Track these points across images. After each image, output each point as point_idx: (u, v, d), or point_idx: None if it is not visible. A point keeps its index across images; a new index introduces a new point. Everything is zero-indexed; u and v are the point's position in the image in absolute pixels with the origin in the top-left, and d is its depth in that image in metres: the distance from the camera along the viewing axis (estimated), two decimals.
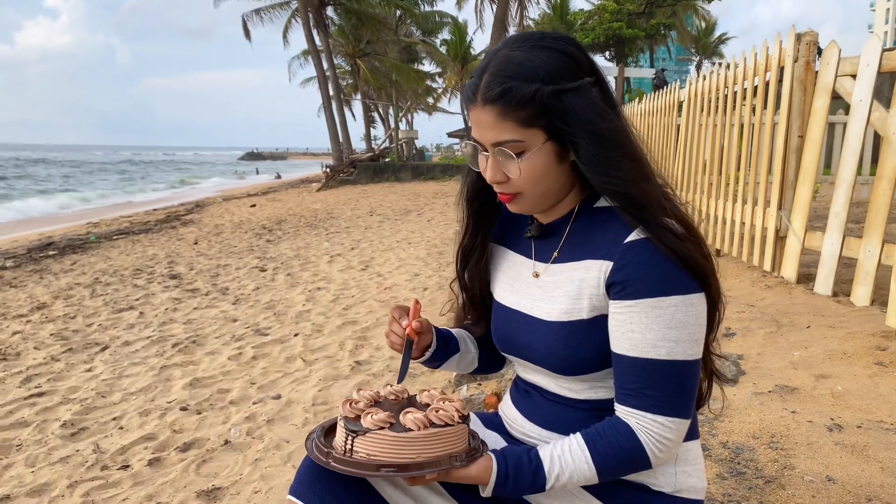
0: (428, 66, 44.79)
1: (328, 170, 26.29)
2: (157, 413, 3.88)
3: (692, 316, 1.16)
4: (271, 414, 3.73)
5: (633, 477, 1.28)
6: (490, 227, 1.47)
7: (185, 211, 18.70)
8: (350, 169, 25.50)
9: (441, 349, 1.47)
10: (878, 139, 4.22)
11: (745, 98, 5.45)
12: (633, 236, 1.17)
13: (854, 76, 4.11)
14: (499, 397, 3.26)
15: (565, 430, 1.31)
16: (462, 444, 1.20)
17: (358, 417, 1.19)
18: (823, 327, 3.46)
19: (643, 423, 1.17)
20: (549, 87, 1.14)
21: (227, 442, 3.43)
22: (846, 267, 4.20)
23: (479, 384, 3.68)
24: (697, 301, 1.17)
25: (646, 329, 1.15)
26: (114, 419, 3.83)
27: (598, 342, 1.23)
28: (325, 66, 29.95)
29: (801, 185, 4.52)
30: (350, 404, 1.22)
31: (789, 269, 4.56)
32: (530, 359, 1.34)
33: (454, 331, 1.54)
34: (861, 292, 3.87)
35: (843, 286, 4.19)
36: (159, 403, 4.03)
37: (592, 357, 1.25)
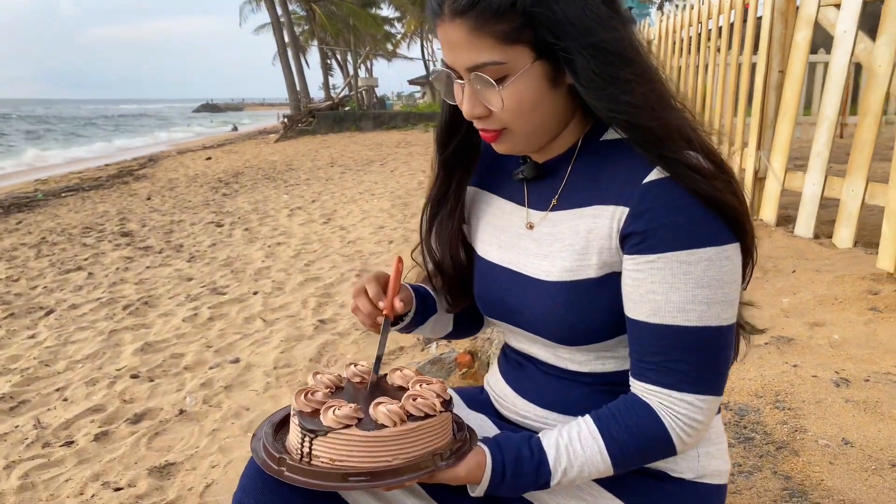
0: (386, 11, 43.57)
1: (286, 120, 25.52)
2: (106, 382, 3.60)
3: (727, 272, 0.93)
4: (229, 379, 3.49)
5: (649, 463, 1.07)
6: (466, 173, 1.21)
7: (138, 165, 17.97)
8: (309, 119, 24.80)
9: (419, 313, 1.22)
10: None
11: (720, 34, 5.21)
12: (654, 175, 0.93)
13: (838, 6, 3.89)
14: (472, 356, 3.05)
15: (567, 410, 1.10)
16: (446, 437, 0.97)
17: (316, 412, 0.94)
18: (809, 271, 3.31)
19: (667, 403, 0.95)
20: None
21: (181, 411, 3.18)
22: (824, 208, 4.04)
23: (449, 342, 3.48)
24: (733, 253, 0.94)
25: (671, 289, 0.92)
26: (57, 390, 3.55)
27: (608, 306, 1.00)
28: (280, 11, 28.89)
29: (781, 124, 4.33)
30: (305, 395, 0.97)
31: (769, 212, 4.40)
32: (524, 326, 1.10)
33: (430, 288, 1.28)
34: (844, 233, 3.72)
35: (823, 227, 4.05)
36: (108, 371, 3.75)
37: (601, 324, 1.01)
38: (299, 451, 0.92)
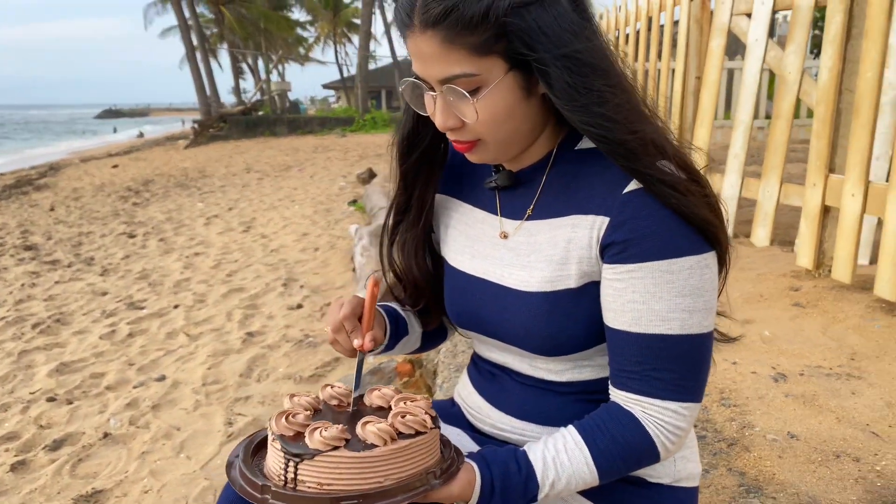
0: (298, 14, 42.94)
1: (196, 125, 24.72)
2: (19, 407, 3.37)
3: (707, 280, 0.93)
4: (156, 398, 3.32)
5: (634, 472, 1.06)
6: (430, 182, 1.18)
7: (38, 175, 17.00)
8: (220, 124, 24.12)
9: (392, 336, 1.18)
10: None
11: (637, 41, 5.37)
12: (634, 185, 0.93)
13: (749, 15, 4.07)
14: (413, 365, 3.01)
15: (544, 420, 1.08)
16: (435, 456, 0.93)
17: (300, 435, 0.89)
18: (733, 270, 3.38)
19: (651, 412, 0.95)
20: (504, 0, 0.86)
21: (106, 434, 3.00)
22: (741, 208, 4.21)
23: (371, 355, 3.42)
24: (711, 261, 0.95)
25: (653, 299, 0.92)
26: None
27: (587, 315, 0.99)
28: (187, 13, 28.02)
29: (699, 128, 4.49)
30: (286, 418, 0.91)
31: None
32: (500, 336, 1.08)
33: (395, 305, 1.25)
34: (761, 233, 3.88)
35: (741, 227, 4.22)
36: (20, 395, 3.51)
37: (581, 333, 1.00)
38: (283, 477, 0.86)
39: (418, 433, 0.89)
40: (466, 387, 1.24)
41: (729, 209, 4.06)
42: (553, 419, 1.06)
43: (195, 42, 28.46)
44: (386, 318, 1.17)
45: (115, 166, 17.43)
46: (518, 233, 1.06)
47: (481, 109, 0.92)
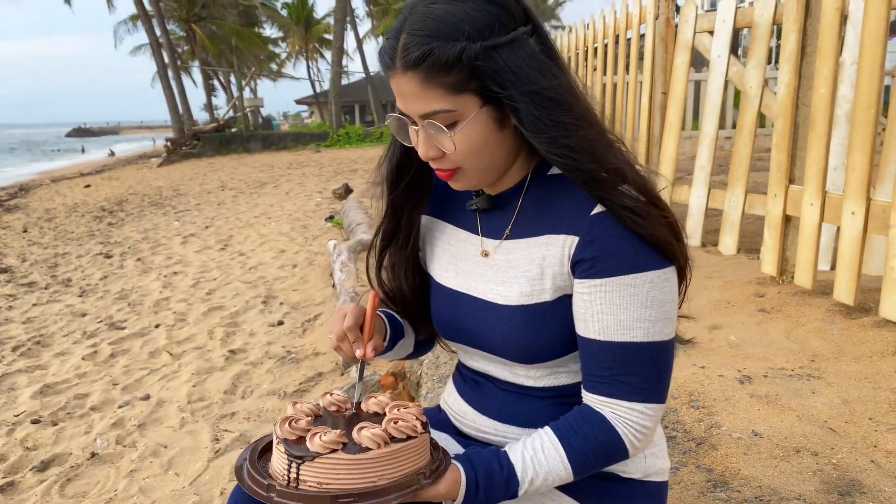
0: (269, 31, 42.93)
1: (169, 143, 24.61)
2: (4, 429, 3.39)
3: (667, 292, 1.03)
4: (142, 417, 3.36)
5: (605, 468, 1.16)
6: (417, 207, 1.28)
7: (8, 196, 16.82)
8: (193, 141, 24.03)
9: (391, 341, 1.28)
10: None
11: (606, 56, 5.53)
12: (600, 207, 1.03)
13: (712, 32, 4.24)
14: (395, 377, 3.10)
15: (525, 422, 1.18)
16: (425, 458, 1.02)
17: (301, 439, 0.98)
18: (701, 278, 3.57)
19: (620, 413, 1.05)
20: (476, 43, 0.96)
21: (93, 454, 3.04)
22: (708, 218, 4.35)
23: (370, 363, 3.50)
24: (671, 275, 1.04)
25: (619, 310, 1.02)
26: None
27: (562, 326, 1.09)
28: (158, 31, 27.91)
29: (666, 141, 4.64)
30: (290, 423, 1.00)
31: None
32: (483, 347, 1.18)
33: (396, 314, 1.35)
34: (728, 241, 4.03)
35: (708, 236, 4.36)
36: (5, 418, 3.53)
37: (556, 342, 1.10)
38: (286, 477, 0.95)
39: (410, 437, 0.98)
40: (452, 394, 1.33)
41: (695, 220, 4.20)
42: (532, 422, 1.14)
43: (167, 59, 28.37)
44: (386, 322, 1.26)
45: (87, 186, 17.31)
46: (497, 251, 1.16)
47: (458, 141, 1.02)
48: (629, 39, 5.09)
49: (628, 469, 1.19)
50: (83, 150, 48.71)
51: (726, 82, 4.18)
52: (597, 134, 1.04)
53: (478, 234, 1.20)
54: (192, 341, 4.49)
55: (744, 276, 3.48)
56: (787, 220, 3.32)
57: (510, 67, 0.97)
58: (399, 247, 1.29)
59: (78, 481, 2.86)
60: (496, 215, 1.17)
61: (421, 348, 1.42)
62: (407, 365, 3.02)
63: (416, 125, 1.05)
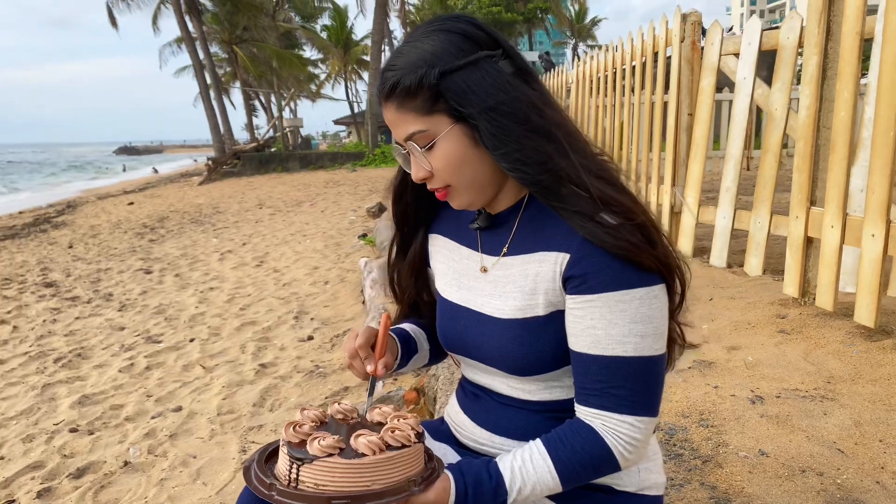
0: (309, 52, 43.76)
1: (210, 162, 25.20)
2: (44, 437, 3.53)
3: (656, 308, 1.08)
4: (173, 428, 3.48)
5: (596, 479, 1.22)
6: (418, 226, 1.40)
7: (56, 212, 17.40)
8: (234, 160, 24.56)
9: (404, 357, 1.37)
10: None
11: (634, 79, 5.57)
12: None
13: (737, 55, 4.27)
14: (419, 393, 3.17)
15: (520, 435, 1.23)
16: (419, 466, 1.09)
17: (303, 443, 1.06)
18: (725, 299, 3.58)
19: (609, 425, 1.09)
20: (435, 69, 1.06)
21: (126, 463, 3.16)
22: (735, 239, 4.36)
23: (395, 380, 3.58)
24: (660, 292, 1.09)
25: (609, 325, 1.07)
26: None
27: (555, 340, 1.15)
28: (201, 54, 28.68)
29: (692, 162, 4.66)
30: (294, 428, 1.08)
31: (685, 244, 4.71)
32: (481, 359, 1.25)
33: (407, 327, 1.44)
34: (754, 262, 4.03)
35: (735, 257, 4.36)
36: (45, 426, 3.68)
37: (548, 356, 1.16)
38: (287, 477, 1.03)
39: (404, 446, 1.05)
40: (453, 406, 1.40)
41: (720, 241, 4.20)
42: (527, 435, 1.19)
43: (209, 81, 29.09)
44: (398, 342, 1.35)
45: (130, 203, 17.80)
46: (495, 267, 1.23)
47: (437, 158, 1.11)
48: (656, 62, 5.13)
49: (622, 482, 1.23)
50: (124, 169, 49.99)
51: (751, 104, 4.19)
52: (553, 144, 1.09)
53: (478, 251, 1.27)
54: (224, 355, 4.62)
55: (766, 298, 3.48)
56: (809, 242, 3.33)
57: (469, 86, 1.06)
58: (407, 261, 1.40)
59: (111, 488, 2.97)
60: (496, 233, 1.25)
61: (437, 356, 1.50)
62: (426, 380, 3.09)
63: (405, 149, 1.15)
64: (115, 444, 3.40)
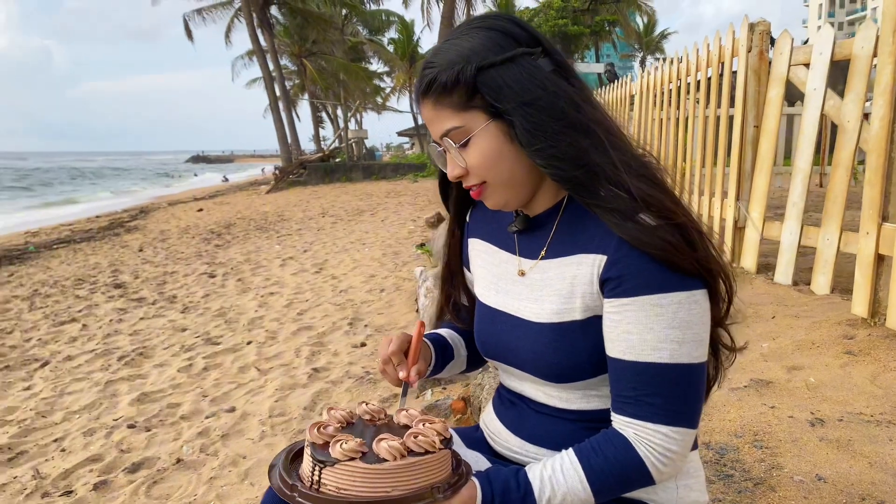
0: (375, 66, 44.45)
1: (277, 171, 25.81)
2: (103, 432, 3.65)
3: (696, 314, 1.03)
4: (226, 428, 3.54)
5: (630, 493, 1.16)
6: (460, 222, 1.40)
7: (129, 217, 18.10)
8: (300, 170, 25.08)
9: (438, 363, 1.37)
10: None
11: (697, 89, 5.44)
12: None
13: (807, 65, 4.11)
14: (466, 402, 3.14)
15: (555, 445, 1.19)
16: (444, 473, 1.05)
17: (327, 444, 1.04)
18: (788, 317, 3.43)
19: (643, 435, 1.05)
20: (472, 64, 1.05)
21: (179, 460, 3.23)
22: (803, 256, 4.19)
23: (444, 388, 3.56)
24: (701, 297, 1.05)
25: (645, 330, 1.03)
26: (55, 441, 3.59)
27: (592, 346, 1.11)
28: (271, 66, 29.45)
29: (757, 176, 4.51)
30: (318, 429, 1.07)
31: (749, 260, 4.55)
32: (516, 364, 1.22)
33: (445, 333, 1.44)
34: (821, 281, 3.86)
35: (802, 275, 4.19)
36: (105, 421, 3.80)
37: (585, 362, 1.12)
38: (310, 479, 1.02)
39: (427, 452, 1.02)
40: (489, 413, 1.37)
41: (786, 257, 4.04)
42: (562, 445, 1.15)
43: (278, 93, 29.83)
44: (432, 347, 1.35)
45: (200, 210, 18.34)
46: (533, 270, 1.20)
47: (472, 155, 1.10)
48: (721, 74, 4.99)
49: (659, 498, 1.18)
50: (195, 175, 51.67)
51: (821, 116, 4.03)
52: (591, 139, 1.06)
53: (516, 255, 1.25)
54: (279, 358, 4.69)
55: (833, 317, 3.32)
56: (880, 260, 3.16)
57: (505, 81, 1.05)
58: (453, 259, 1.42)
59: (163, 484, 3.04)
60: (534, 236, 1.22)
61: (473, 364, 1.48)
62: (472, 390, 3.06)
63: (441, 147, 1.14)
64: (170, 441, 3.48)
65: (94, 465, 3.26)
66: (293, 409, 3.74)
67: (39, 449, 3.51)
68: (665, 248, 1.01)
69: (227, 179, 42.01)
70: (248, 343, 5.12)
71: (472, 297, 1.40)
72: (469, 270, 1.39)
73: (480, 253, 1.34)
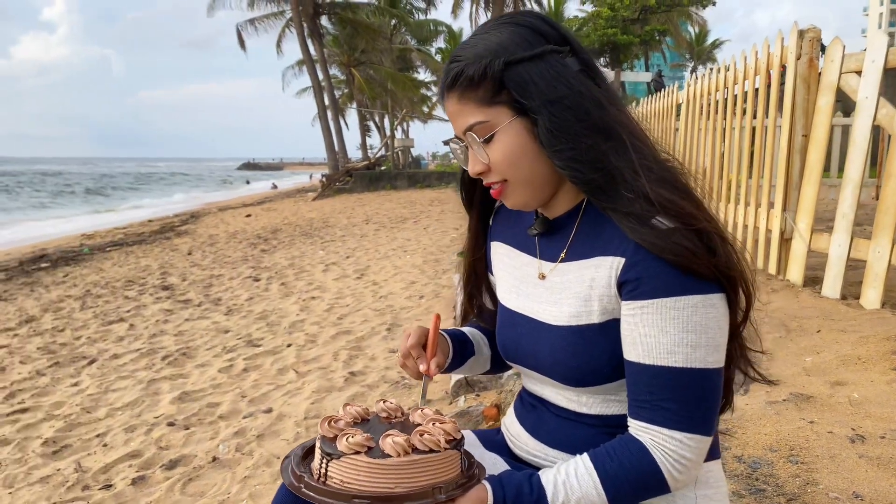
0: (423, 75, 44.69)
1: (324, 178, 26.14)
2: (144, 429, 3.73)
3: (712, 318, 1.01)
4: (262, 429, 3.59)
5: (648, 501, 1.14)
6: (483, 224, 1.40)
7: (180, 222, 18.56)
8: (346, 177, 25.36)
9: (457, 357, 1.37)
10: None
11: (745, 98, 5.33)
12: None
13: (859, 73, 4.00)
14: (499, 409, 3.12)
15: (574, 449, 1.17)
16: (452, 473, 1.04)
17: (336, 438, 1.05)
18: (834, 331, 3.33)
19: (658, 440, 1.03)
20: (500, 59, 1.04)
21: (215, 459, 3.28)
22: (853, 269, 4.07)
23: (478, 395, 3.54)
24: (718, 302, 1.02)
25: (661, 333, 1.01)
26: (98, 436, 3.69)
27: (611, 349, 1.09)
28: (321, 75, 29.88)
29: (805, 186, 4.39)
30: (329, 423, 1.08)
31: (795, 272, 4.43)
32: (536, 368, 1.20)
33: (467, 330, 1.44)
34: (871, 295, 3.73)
35: (850, 289, 4.06)
36: (146, 419, 3.89)
37: (604, 366, 1.11)
38: (318, 472, 1.03)
39: (432, 451, 1.02)
40: (510, 416, 1.36)
41: (834, 270, 3.93)
42: (581, 449, 1.13)
43: (327, 101, 30.24)
44: (449, 341, 1.35)
45: (248, 215, 18.70)
46: (553, 273, 1.19)
47: (495, 150, 1.09)
48: (769, 83, 4.88)
49: None
50: (247, 182, 52.74)
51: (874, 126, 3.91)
52: (612, 144, 1.05)
53: (536, 258, 1.24)
54: (317, 361, 4.73)
55: (882, 332, 3.21)
56: None
57: (532, 77, 1.04)
58: (473, 258, 1.41)
59: (198, 481, 3.09)
60: (554, 239, 1.21)
61: (497, 367, 1.48)
62: (504, 397, 3.04)
63: (464, 142, 1.13)
64: (207, 439, 3.54)
65: (133, 461, 3.33)
66: (329, 411, 3.76)
67: (83, 443, 3.61)
68: (681, 254, 0.99)
69: (275, 187, 42.72)
70: (288, 346, 5.18)
71: (495, 300, 1.40)
72: (492, 273, 1.39)
73: (502, 256, 1.34)
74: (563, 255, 1.18)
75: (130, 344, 5.60)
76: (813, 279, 4.37)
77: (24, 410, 4.13)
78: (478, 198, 1.36)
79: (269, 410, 3.86)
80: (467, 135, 1.10)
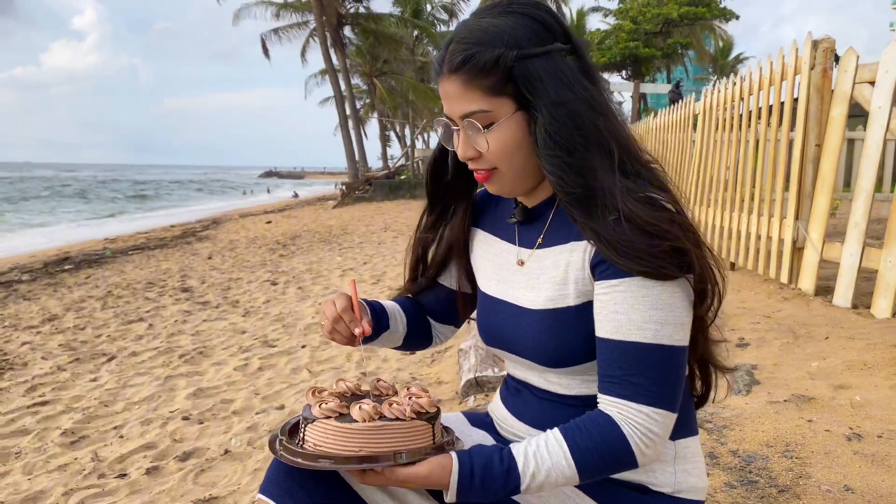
0: None
1: (344, 187, 26.35)
2: (159, 422, 3.82)
3: (678, 297, 1.07)
4: (273, 424, 3.65)
5: (631, 476, 1.19)
6: (445, 213, 1.41)
7: (202, 227, 18.79)
8: (366, 186, 25.54)
9: (375, 327, 1.35)
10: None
11: (759, 108, 5.35)
12: (617, 213, 1.09)
13: (873, 83, 4.02)
14: None
15: None
16: (422, 443, 1.09)
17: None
18: (843, 338, 3.34)
19: (626, 414, 1.07)
20: (513, 51, 1.07)
21: (226, 451, 3.35)
22: (865, 280, 4.07)
23: (487, 395, 3.59)
24: (685, 283, 1.08)
25: (631, 309, 1.06)
26: (114, 428, 3.78)
27: (586, 331, 1.14)
28: (343, 85, 30.16)
29: (818, 196, 4.40)
30: (314, 392, 1.15)
31: (807, 281, 4.43)
32: (517, 352, 1.25)
33: (388, 305, 1.42)
34: (882, 304, 3.74)
35: (862, 298, 4.06)
36: (161, 413, 3.97)
37: (581, 346, 1.15)
38: (298, 436, 1.10)
39: (398, 419, 1.08)
40: (497, 400, 1.42)
41: (846, 279, 3.93)
42: None
43: (348, 111, 30.49)
44: (367, 309, 1.33)
45: (268, 222, 18.89)
46: (531, 259, 1.24)
47: (493, 141, 1.12)
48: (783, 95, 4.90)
49: (658, 482, 1.20)
50: (268, 191, 53.22)
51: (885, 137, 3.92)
52: (602, 162, 1.08)
53: (515, 245, 1.29)
54: (331, 362, 4.80)
55: (891, 340, 3.21)
56: None
57: (541, 76, 1.07)
58: (445, 239, 1.42)
59: (210, 472, 3.16)
60: (532, 226, 1.26)
61: (410, 344, 1.47)
62: None
63: (458, 126, 1.15)
64: (220, 433, 3.61)
65: (147, 452, 3.41)
66: None
67: (100, 434, 3.70)
68: (649, 267, 1.04)
69: (296, 195, 43.03)
70: (303, 346, 5.26)
71: (473, 285, 1.42)
72: (464, 256, 1.41)
73: (482, 244, 1.38)
74: (539, 240, 1.23)
75: (149, 342, 5.70)
76: (825, 289, 4.37)
77: (44, 403, 4.24)
78: (446, 184, 1.36)
79: (282, 407, 3.93)
80: (465, 120, 1.12)
